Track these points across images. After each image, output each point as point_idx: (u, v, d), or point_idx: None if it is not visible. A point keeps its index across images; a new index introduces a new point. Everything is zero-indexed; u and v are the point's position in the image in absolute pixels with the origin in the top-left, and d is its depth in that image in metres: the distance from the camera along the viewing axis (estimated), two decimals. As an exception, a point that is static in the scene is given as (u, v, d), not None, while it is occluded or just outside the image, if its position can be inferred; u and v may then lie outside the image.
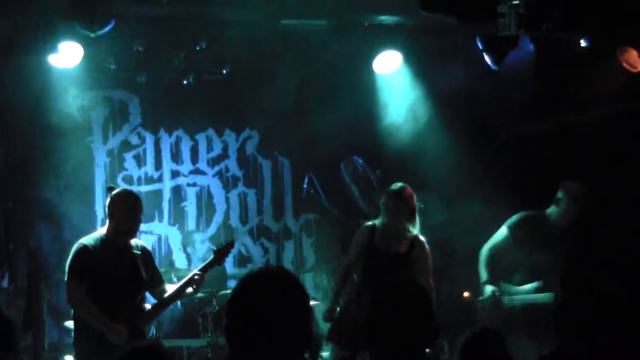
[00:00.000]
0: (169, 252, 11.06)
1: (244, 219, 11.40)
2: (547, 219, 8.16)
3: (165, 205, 11.20)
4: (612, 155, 9.57)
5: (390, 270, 7.62)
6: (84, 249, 7.12)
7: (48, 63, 9.36)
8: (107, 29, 8.59)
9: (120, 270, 7.15)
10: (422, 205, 8.41)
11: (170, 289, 7.47)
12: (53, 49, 8.83)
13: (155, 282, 7.41)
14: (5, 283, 10.04)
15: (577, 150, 9.63)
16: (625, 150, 9.48)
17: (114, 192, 7.37)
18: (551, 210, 8.19)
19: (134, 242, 7.37)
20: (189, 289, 7.45)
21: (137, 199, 7.39)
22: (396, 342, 4.03)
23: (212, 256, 7.64)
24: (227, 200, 11.37)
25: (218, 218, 11.32)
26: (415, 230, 7.94)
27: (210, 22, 9.72)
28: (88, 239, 7.20)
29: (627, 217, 8.75)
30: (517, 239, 8.16)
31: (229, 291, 9.60)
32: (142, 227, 10.57)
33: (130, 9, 9.08)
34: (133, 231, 7.33)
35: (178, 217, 11.22)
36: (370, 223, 8.06)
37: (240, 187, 11.43)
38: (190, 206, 11.28)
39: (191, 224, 11.24)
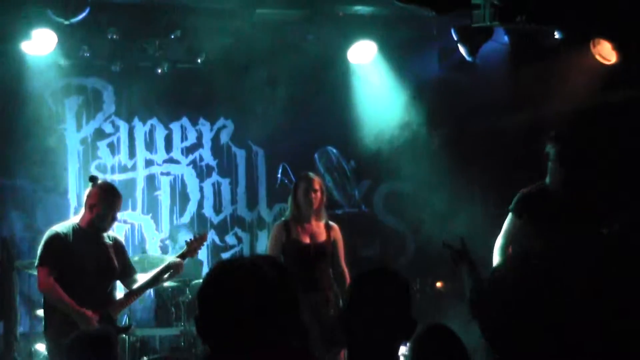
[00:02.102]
0: (142, 240, 10.89)
1: (217, 209, 11.28)
2: (546, 189, 7.74)
3: (139, 194, 11.04)
4: (585, 146, 9.50)
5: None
6: (56, 236, 7.01)
7: (21, 50, 9.18)
8: (81, 16, 8.51)
9: (91, 259, 7.02)
10: None
11: (141, 278, 7.33)
12: (26, 36, 8.70)
13: (126, 272, 7.30)
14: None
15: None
16: (597, 143, 9.40)
17: (98, 183, 7.23)
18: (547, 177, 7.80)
19: (107, 233, 7.23)
20: (166, 275, 7.36)
21: (119, 197, 7.27)
22: (374, 335, 3.89)
23: (185, 247, 7.52)
24: (201, 189, 11.24)
25: (192, 207, 11.18)
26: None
27: (185, 10, 9.51)
28: (60, 227, 7.08)
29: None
30: (524, 219, 7.79)
31: (201, 280, 9.43)
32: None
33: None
34: (109, 227, 7.22)
35: (151, 206, 11.06)
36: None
37: (214, 177, 11.30)
38: (164, 195, 11.14)
39: (165, 213, 11.08)
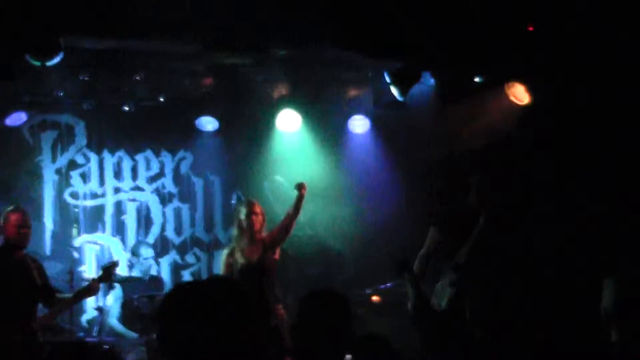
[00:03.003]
0: (111, 259, 10.96)
1: (178, 231, 11.53)
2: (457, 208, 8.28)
3: (108, 218, 11.28)
4: (502, 177, 9.88)
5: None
6: None
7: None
8: (55, 60, 8.62)
9: (14, 278, 7.39)
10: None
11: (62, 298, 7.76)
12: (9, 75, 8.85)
13: (47, 293, 7.68)
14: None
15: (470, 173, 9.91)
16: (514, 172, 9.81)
17: (5, 210, 7.65)
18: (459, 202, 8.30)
19: (28, 255, 7.64)
20: (83, 296, 7.93)
21: (20, 212, 7.68)
22: (320, 347, 4.17)
23: (101, 272, 8.02)
24: (164, 214, 11.50)
25: (155, 230, 11.43)
26: None
27: (148, 55, 9.82)
28: None
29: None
30: (435, 235, 8.31)
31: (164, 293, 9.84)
32: (87, 237, 10.96)
33: (77, 42, 9.11)
34: (22, 243, 7.59)
35: (119, 228, 11.32)
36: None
37: (176, 202, 11.55)
38: (130, 219, 11.38)
39: (131, 235, 11.35)
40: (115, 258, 9.45)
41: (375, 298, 10.27)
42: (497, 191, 7.75)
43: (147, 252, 10.57)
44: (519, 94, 9.80)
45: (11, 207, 7.74)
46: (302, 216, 8.97)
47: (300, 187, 8.65)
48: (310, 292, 4.44)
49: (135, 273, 10.32)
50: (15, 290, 7.37)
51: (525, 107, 9.81)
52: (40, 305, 7.81)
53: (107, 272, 8.02)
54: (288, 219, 8.66)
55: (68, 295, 7.84)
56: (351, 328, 4.27)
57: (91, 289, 7.77)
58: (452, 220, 8.15)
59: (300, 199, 8.60)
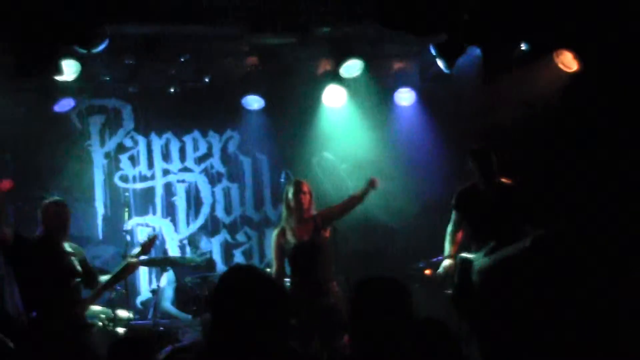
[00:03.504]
0: (163, 241, 11.25)
1: (228, 211, 11.57)
2: (476, 187, 8.34)
3: (158, 200, 11.38)
4: (553, 146, 9.84)
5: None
6: (19, 242, 7.30)
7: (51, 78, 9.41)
8: (102, 47, 8.71)
9: (53, 267, 7.41)
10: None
11: (104, 279, 7.81)
12: (58, 71, 8.99)
13: (90, 278, 7.72)
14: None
15: (522, 142, 9.89)
16: (563, 143, 9.75)
17: (45, 202, 7.65)
18: (476, 179, 8.38)
19: (67, 244, 7.65)
20: (125, 274, 7.87)
21: (61, 206, 7.67)
22: (378, 340, 4.10)
23: (139, 247, 8.04)
24: (213, 194, 11.55)
25: (205, 210, 11.49)
26: None
27: (192, 37, 9.81)
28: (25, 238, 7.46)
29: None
30: (459, 212, 8.44)
31: (217, 275, 9.88)
32: (138, 219, 11.00)
33: (121, 28, 9.17)
34: (62, 235, 7.60)
35: (170, 210, 11.41)
36: None
37: (224, 182, 11.60)
38: (180, 200, 11.46)
39: (182, 216, 11.42)
40: (151, 232, 9.37)
41: (428, 272, 10.23)
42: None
43: (206, 245, 10.60)
44: (568, 62, 9.63)
45: (51, 199, 7.76)
46: (350, 190, 8.90)
47: (372, 183, 8.58)
48: (363, 280, 4.32)
49: (189, 256, 10.36)
50: (56, 278, 7.42)
51: (573, 75, 9.65)
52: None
53: (145, 247, 8.08)
54: (349, 203, 8.59)
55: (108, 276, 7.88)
56: (410, 315, 4.18)
57: (129, 266, 7.81)
58: (468, 200, 8.24)
59: (366, 192, 8.54)
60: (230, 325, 3.49)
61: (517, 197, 8.11)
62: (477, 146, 8.35)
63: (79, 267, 7.57)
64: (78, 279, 7.58)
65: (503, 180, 8.22)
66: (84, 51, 8.74)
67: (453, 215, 8.48)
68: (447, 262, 8.36)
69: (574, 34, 9.21)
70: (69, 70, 9.32)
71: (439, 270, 8.44)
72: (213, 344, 3.54)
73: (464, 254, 8.30)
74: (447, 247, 8.44)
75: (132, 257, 7.91)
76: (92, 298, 7.76)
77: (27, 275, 7.20)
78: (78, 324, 7.52)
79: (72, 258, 7.58)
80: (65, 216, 7.65)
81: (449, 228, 8.50)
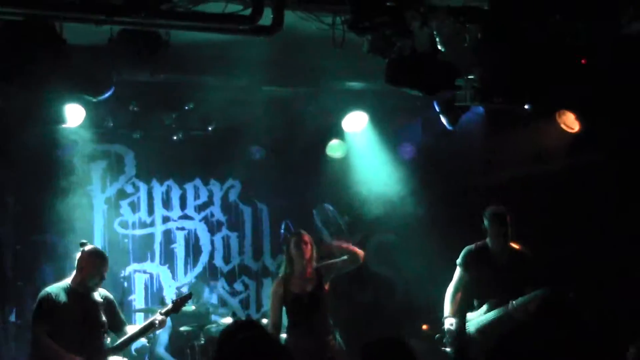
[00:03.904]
0: (160, 288, 11.22)
1: (227, 259, 11.58)
2: (487, 248, 8.38)
3: (157, 247, 11.37)
4: (553, 203, 9.88)
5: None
6: (47, 297, 7.46)
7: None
8: (107, 94, 8.51)
9: (80, 316, 7.43)
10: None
11: (130, 330, 7.78)
12: (62, 119, 9.01)
13: (116, 325, 7.72)
14: (12, 318, 10.22)
15: (523, 199, 9.92)
16: (564, 199, 9.79)
17: (86, 248, 7.67)
18: (487, 239, 8.41)
19: (97, 291, 7.66)
20: (150, 330, 7.84)
21: (104, 259, 7.70)
22: None
23: (171, 305, 7.99)
24: (212, 242, 11.56)
25: (204, 258, 11.50)
26: None
27: (197, 86, 9.85)
28: (52, 288, 7.58)
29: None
30: (467, 272, 8.42)
31: (213, 325, 9.86)
32: (136, 266, 10.99)
33: (128, 76, 9.17)
34: (97, 286, 7.63)
35: (168, 257, 11.40)
36: None
37: (224, 231, 11.62)
38: (179, 248, 11.46)
39: (180, 263, 11.40)
40: (187, 291, 9.29)
41: (425, 327, 10.21)
42: None
43: (209, 296, 10.56)
44: (570, 122, 9.69)
45: (90, 247, 7.77)
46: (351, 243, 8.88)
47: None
48: (371, 342, 4.36)
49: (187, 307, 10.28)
50: (81, 329, 7.43)
51: (575, 135, 9.70)
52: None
53: (177, 305, 8.04)
54: (344, 264, 8.57)
55: (135, 327, 7.84)
56: None
57: (160, 322, 7.78)
58: (478, 260, 8.23)
59: (341, 249, 8.55)
60: None
61: (528, 264, 8.13)
62: (494, 207, 8.36)
63: (104, 319, 7.55)
64: (102, 330, 7.56)
65: (513, 244, 8.24)
66: (90, 98, 8.52)
67: (458, 274, 8.45)
68: (450, 321, 8.33)
69: (576, 96, 9.29)
70: (74, 116, 9.31)
71: (446, 329, 8.36)
72: None
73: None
74: (449, 306, 8.41)
75: (161, 313, 7.85)
76: (115, 349, 7.71)
77: (53, 324, 7.30)
78: None
79: (100, 309, 7.57)
80: (105, 268, 7.63)
81: (452, 287, 8.48)
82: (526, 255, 8.23)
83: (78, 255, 7.62)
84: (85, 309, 7.50)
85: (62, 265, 10.49)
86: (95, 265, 7.56)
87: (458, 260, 8.46)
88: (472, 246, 8.46)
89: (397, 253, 11.14)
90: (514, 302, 8.00)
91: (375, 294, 11.24)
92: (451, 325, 8.29)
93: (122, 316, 7.88)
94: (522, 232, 9.07)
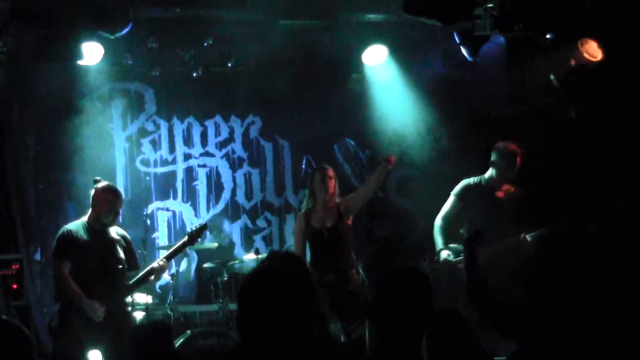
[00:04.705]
0: (183, 225, 11.20)
1: (249, 196, 11.56)
2: (484, 182, 8.37)
3: (179, 184, 11.38)
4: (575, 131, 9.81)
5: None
6: (66, 233, 7.53)
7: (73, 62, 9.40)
8: (125, 30, 8.70)
9: (98, 252, 7.50)
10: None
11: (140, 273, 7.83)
12: (79, 55, 8.96)
13: (130, 266, 7.75)
14: (37, 256, 10.32)
15: (546, 128, 9.86)
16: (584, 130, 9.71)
17: (99, 185, 7.70)
18: (488, 173, 8.39)
19: (114, 229, 7.71)
20: (151, 277, 7.80)
21: (117, 195, 7.73)
22: (399, 328, 4.17)
23: (185, 237, 8.02)
24: (234, 179, 11.54)
25: (226, 195, 11.48)
26: None
27: (216, 21, 9.78)
28: (70, 225, 7.64)
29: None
30: (462, 204, 8.41)
31: (237, 261, 9.90)
32: (159, 204, 11.02)
33: (145, 12, 9.16)
34: (112, 222, 7.67)
35: (190, 195, 11.40)
36: None
37: (245, 167, 11.59)
38: (201, 185, 11.46)
39: (202, 200, 11.41)
40: (202, 222, 9.33)
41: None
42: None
43: (229, 228, 10.56)
44: (593, 50, 9.55)
45: (103, 184, 7.77)
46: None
47: (387, 159, 8.51)
48: (387, 270, 4.45)
49: (208, 242, 10.33)
50: (99, 266, 7.49)
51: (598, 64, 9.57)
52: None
53: (192, 237, 8.06)
54: (366, 189, 8.56)
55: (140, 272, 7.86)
56: (430, 307, 4.25)
57: (161, 267, 7.81)
58: (477, 192, 8.25)
59: (382, 171, 8.48)
60: (264, 315, 3.42)
61: (524, 203, 8.11)
62: (508, 144, 8.32)
63: (122, 255, 7.62)
64: (120, 267, 7.61)
65: (510, 186, 8.26)
66: (108, 35, 8.73)
67: (452, 205, 8.41)
68: (445, 253, 8.29)
69: (598, 23, 9.16)
70: (92, 54, 9.28)
71: (442, 259, 8.33)
72: (245, 334, 3.50)
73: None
74: (441, 238, 8.38)
75: (163, 259, 7.87)
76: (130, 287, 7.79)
77: (73, 260, 7.38)
78: (119, 310, 7.59)
79: (117, 245, 7.63)
80: (119, 204, 7.67)
81: (442, 218, 8.43)
82: (523, 194, 8.25)
83: (92, 192, 7.65)
84: (103, 244, 7.56)
85: (85, 203, 10.47)
86: (108, 201, 7.59)
87: (455, 191, 8.43)
88: (471, 180, 8.45)
89: (418, 186, 11.07)
90: (527, 235, 7.97)
91: (395, 228, 11.19)
92: (448, 255, 8.26)
93: (137, 257, 7.95)
94: (545, 164, 9.10)
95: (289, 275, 3.54)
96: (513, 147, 8.30)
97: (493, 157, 8.34)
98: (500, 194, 8.30)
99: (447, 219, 8.43)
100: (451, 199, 8.46)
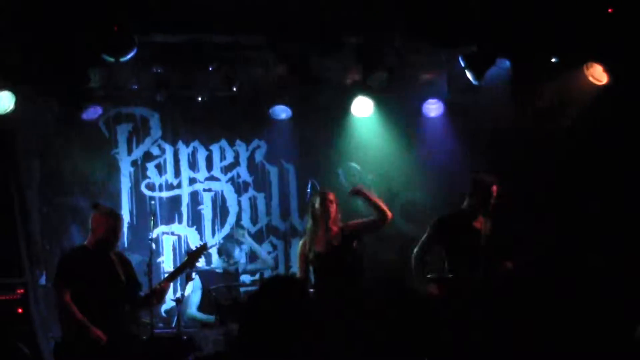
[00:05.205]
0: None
1: (254, 220, 11.54)
2: (463, 214, 8.35)
3: (184, 209, 11.35)
4: (580, 155, 9.80)
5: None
6: (66, 259, 7.66)
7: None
8: (130, 55, 8.75)
9: (99, 277, 7.52)
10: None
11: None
12: (85, 80, 9.09)
13: (132, 290, 7.80)
14: (42, 281, 10.32)
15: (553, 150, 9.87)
16: (591, 152, 9.70)
17: (98, 209, 7.73)
18: (466, 203, 8.39)
19: (116, 253, 7.77)
20: (154, 300, 7.88)
21: (117, 218, 7.78)
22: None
23: (185, 258, 8.08)
24: (239, 203, 11.51)
25: (231, 219, 11.45)
26: None
27: (220, 46, 9.81)
28: (69, 251, 7.81)
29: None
30: (437, 237, 8.36)
31: (241, 285, 9.86)
32: (164, 228, 11.04)
33: (150, 37, 9.19)
34: (112, 246, 7.70)
35: (195, 219, 11.38)
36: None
37: (251, 192, 11.56)
38: (207, 209, 11.43)
39: (207, 224, 11.40)
40: (203, 243, 9.37)
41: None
42: None
43: (239, 255, 10.51)
44: (598, 74, 9.57)
45: (103, 208, 7.81)
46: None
47: (354, 192, 8.55)
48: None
49: (216, 265, 10.31)
50: (102, 290, 7.51)
51: (603, 88, 9.59)
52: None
53: (192, 258, 8.08)
54: (369, 219, 8.50)
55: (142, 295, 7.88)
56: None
57: (160, 290, 7.79)
58: (455, 230, 8.25)
59: (367, 202, 8.45)
60: (263, 334, 3.52)
61: (500, 238, 8.10)
62: (484, 175, 8.37)
63: (123, 278, 7.64)
64: (122, 291, 7.64)
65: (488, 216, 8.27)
66: (112, 60, 8.75)
67: (427, 241, 8.38)
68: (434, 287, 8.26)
69: (604, 47, 9.16)
70: (97, 78, 9.41)
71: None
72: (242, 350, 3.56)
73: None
74: (421, 274, 8.35)
75: (161, 281, 7.97)
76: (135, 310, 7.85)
77: (73, 286, 7.39)
78: (122, 334, 7.60)
79: (118, 269, 7.65)
80: (118, 227, 7.70)
81: (418, 253, 8.39)
82: (498, 231, 8.22)
83: (91, 217, 7.68)
84: (104, 269, 7.58)
85: (89, 227, 10.66)
86: (108, 225, 7.60)
87: (432, 226, 8.39)
88: (446, 215, 8.44)
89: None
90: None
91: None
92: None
93: (139, 281, 7.94)
94: (548, 187, 9.06)
95: (286, 299, 3.61)
96: (488, 178, 8.28)
97: (470, 188, 8.31)
98: (477, 224, 8.27)
99: (422, 248, 8.39)
100: (428, 233, 8.44)
